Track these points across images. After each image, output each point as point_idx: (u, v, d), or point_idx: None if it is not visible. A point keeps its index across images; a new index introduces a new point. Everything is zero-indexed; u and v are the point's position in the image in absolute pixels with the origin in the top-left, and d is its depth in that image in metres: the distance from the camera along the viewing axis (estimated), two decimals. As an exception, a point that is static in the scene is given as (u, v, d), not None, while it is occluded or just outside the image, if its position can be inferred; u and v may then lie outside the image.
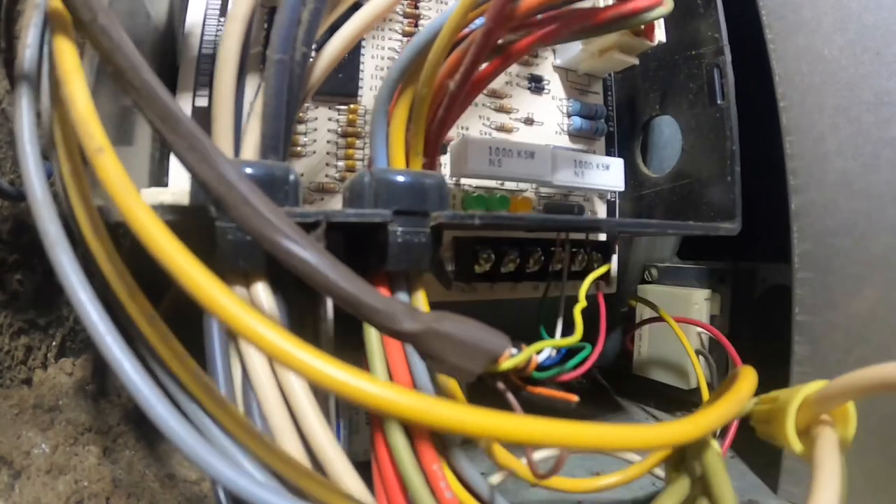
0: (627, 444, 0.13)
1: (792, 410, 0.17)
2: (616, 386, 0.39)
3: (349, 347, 0.20)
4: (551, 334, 0.26)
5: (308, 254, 0.13)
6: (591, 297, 0.26)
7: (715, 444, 0.18)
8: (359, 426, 0.24)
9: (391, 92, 0.20)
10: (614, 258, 0.30)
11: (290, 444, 0.17)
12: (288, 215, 0.16)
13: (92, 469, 0.24)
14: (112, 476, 0.24)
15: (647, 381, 0.37)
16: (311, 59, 0.19)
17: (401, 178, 0.18)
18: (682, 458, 0.19)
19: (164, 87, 0.14)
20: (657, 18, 0.23)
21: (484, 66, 0.20)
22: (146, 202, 0.20)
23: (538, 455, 0.22)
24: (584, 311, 0.25)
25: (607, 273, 0.27)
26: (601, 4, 0.23)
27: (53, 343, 0.28)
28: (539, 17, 0.20)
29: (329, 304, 0.19)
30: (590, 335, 0.25)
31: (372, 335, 0.19)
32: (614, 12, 0.21)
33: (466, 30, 0.20)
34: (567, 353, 0.25)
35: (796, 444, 0.17)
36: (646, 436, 0.13)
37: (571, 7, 0.20)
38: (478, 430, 0.12)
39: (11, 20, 0.24)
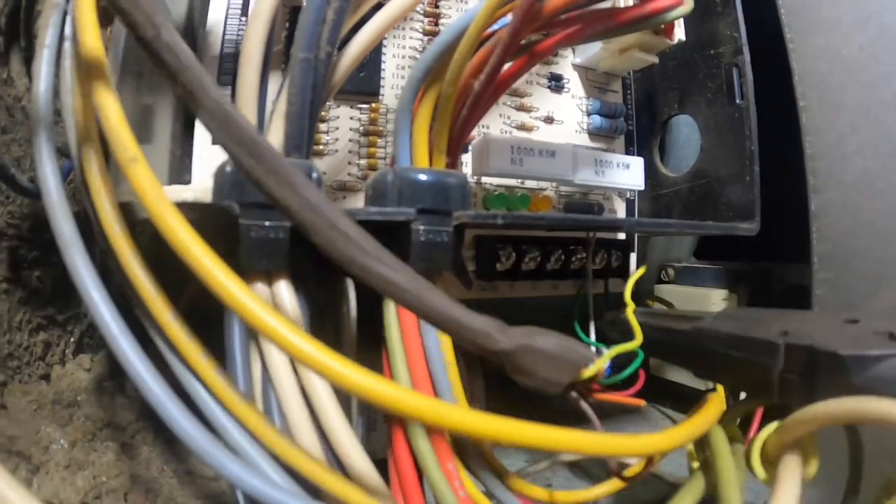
0: (606, 450, 0.14)
1: (760, 438, 0.18)
2: (629, 387, 0.39)
3: (367, 342, 0.20)
4: (585, 333, 0.26)
5: (401, 277, 0.13)
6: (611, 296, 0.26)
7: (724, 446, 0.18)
8: (376, 424, 0.24)
9: (415, 91, 0.20)
10: (633, 257, 0.30)
11: (309, 442, 0.17)
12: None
13: (110, 465, 0.24)
14: (130, 472, 0.24)
15: (663, 382, 0.37)
16: (334, 58, 0.19)
17: (424, 177, 0.19)
18: (705, 459, 0.19)
19: (234, 107, 0.14)
20: (678, 18, 0.23)
21: (508, 65, 0.20)
22: (173, 199, 0.20)
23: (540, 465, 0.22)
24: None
25: (626, 272, 0.27)
26: (621, 4, 0.23)
27: (72, 339, 0.28)
28: (563, 16, 0.20)
29: (353, 301, 0.19)
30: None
31: (393, 332, 0.19)
32: (636, 13, 0.21)
33: (489, 30, 0.20)
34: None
35: (760, 472, 0.18)
36: (621, 444, 0.14)
37: (594, 7, 0.20)
38: (492, 434, 0.12)
39: (31, 19, 0.24)
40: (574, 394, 0.21)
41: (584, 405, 0.20)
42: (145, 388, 0.15)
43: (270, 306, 0.13)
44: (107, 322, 0.15)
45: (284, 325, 0.12)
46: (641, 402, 0.23)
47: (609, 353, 0.23)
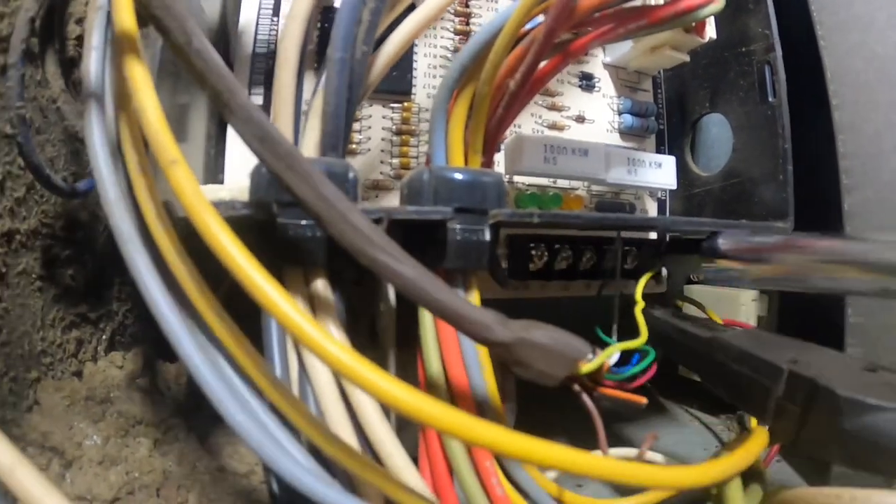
0: (638, 480, 0.14)
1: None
2: (661, 387, 0.39)
3: (400, 340, 0.20)
4: (607, 334, 0.26)
5: (406, 268, 0.14)
6: (645, 297, 0.26)
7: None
8: (406, 422, 0.24)
9: (451, 90, 0.20)
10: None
11: (348, 437, 0.17)
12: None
13: (143, 460, 0.25)
14: (163, 468, 0.25)
15: (692, 383, 0.36)
16: (369, 58, 0.19)
17: (460, 176, 0.19)
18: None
19: (258, 109, 0.14)
20: (709, 16, 0.23)
21: (542, 64, 0.20)
22: (210, 198, 0.20)
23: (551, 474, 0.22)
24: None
25: (658, 272, 0.27)
26: (652, 2, 0.23)
27: (103, 337, 0.29)
28: (595, 15, 0.20)
29: (392, 300, 0.19)
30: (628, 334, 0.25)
31: (428, 331, 0.19)
32: (668, 11, 0.21)
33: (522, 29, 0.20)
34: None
35: None
36: (655, 476, 0.14)
37: (627, 6, 0.20)
38: (519, 454, 0.12)
39: (63, 21, 0.25)
40: (576, 387, 0.21)
41: (586, 399, 0.21)
42: (203, 382, 0.15)
43: (311, 316, 0.13)
44: (167, 317, 0.15)
45: (325, 337, 0.13)
46: (643, 400, 0.23)
47: (609, 349, 0.23)
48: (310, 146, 0.18)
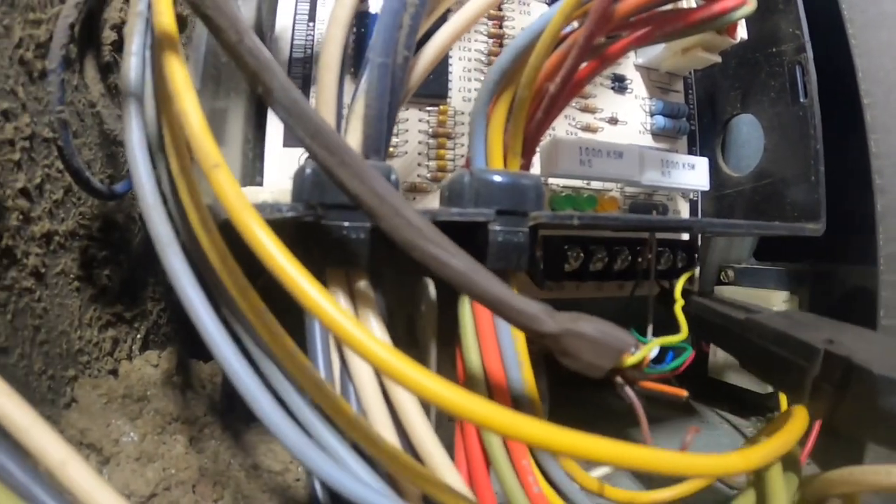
0: (678, 469, 0.14)
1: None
2: (691, 389, 0.39)
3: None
4: (641, 333, 0.26)
5: (457, 261, 0.14)
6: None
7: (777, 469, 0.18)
8: (441, 421, 0.24)
9: (491, 94, 0.20)
10: (697, 257, 0.29)
11: (390, 436, 0.17)
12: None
13: (179, 457, 0.25)
14: (199, 465, 0.25)
15: (722, 385, 0.36)
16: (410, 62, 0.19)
17: (500, 179, 0.19)
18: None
19: (310, 105, 0.15)
20: (742, 18, 0.23)
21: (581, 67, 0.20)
22: (251, 201, 0.20)
23: (598, 471, 0.22)
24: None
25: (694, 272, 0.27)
26: (684, 5, 0.23)
27: (138, 336, 0.29)
28: (632, 19, 0.20)
29: (433, 297, 0.19)
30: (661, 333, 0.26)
31: (468, 329, 0.19)
32: (703, 13, 0.21)
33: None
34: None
35: None
36: (695, 464, 0.14)
37: (664, 9, 0.20)
38: (565, 449, 0.12)
39: (99, 27, 0.25)
40: (619, 379, 0.21)
41: (629, 391, 0.21)
42: (239, 382, 0.15)
43: (354, 317, 0.13)
44: (203, 320, 0.16)
45: (369, 337, 0.13)
46: (683, 392, 0.23)
47: (652, 343, 0.23)
48: (345, 141, 0.18)
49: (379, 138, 0.18)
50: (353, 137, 0.18)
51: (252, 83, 0.15)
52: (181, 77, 0.15)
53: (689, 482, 0.22)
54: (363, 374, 0.17)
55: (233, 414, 0.27)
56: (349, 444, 0.16)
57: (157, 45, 0.16)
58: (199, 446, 0.26)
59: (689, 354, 0.24)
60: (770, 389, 0.33)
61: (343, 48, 0.19)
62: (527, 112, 0.19)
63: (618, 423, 0.26)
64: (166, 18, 0.16)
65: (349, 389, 0.17)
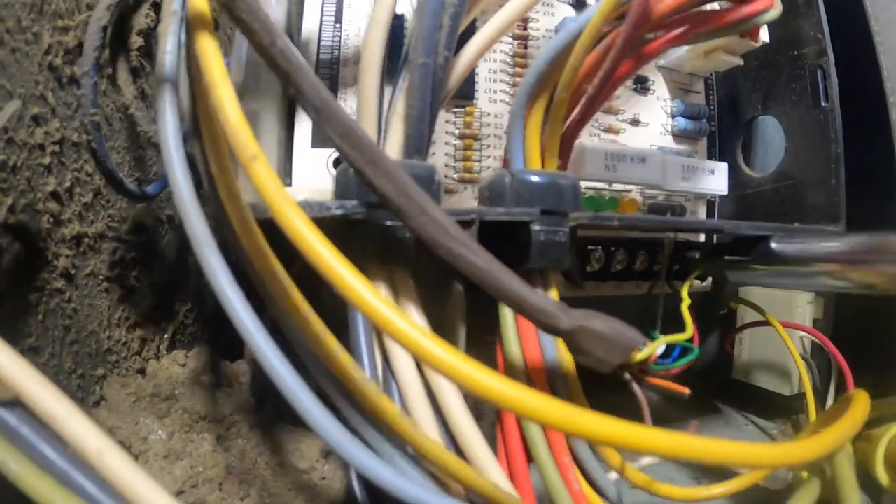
0: (739, 460, 0.14)
1: (882, 445, 0.18)
2: (715, 390, 0.39)
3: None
4: (653, 328, 0.26)
5: (480, 259, 0.14)
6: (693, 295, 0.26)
7: (847, 448, 0.18)
8: (484, 413, 0.24)
9: (529, 95, 0.21)
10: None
11: (434, 433, 0.17)
12: (449, 213, 0.17)
13: (207, 456, 0.25)
14: (226, 463, 0.25)
15: (746, 386, 0.36)
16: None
17: (540, 179, 0.19)
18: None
19: (341, 106, 0.15)
20: (769, 21, 0.23)
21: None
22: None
23: (644, 461, 0.23)
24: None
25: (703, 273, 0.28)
26: (707, 9, 0.23)
27: (165, 336, 0.29)
28: (668, 20, 0.20)
29: (461, 298, 0.20)
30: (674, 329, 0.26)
31: (507, 316, 0.19)
32: (734, 16, 0.21)
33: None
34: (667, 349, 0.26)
35: (884, 477, 0.18)
36: (758, 454, 0.14)
37: (698, 10, 0.21)
38: (614, 440, 0.12)
39: (129, 31, 0.25)
40: (627, 375, 0.22)
41: (636, 386, 0.21)
42: (278, 379, 0.15)
43: (398, 308, 0.13)
44: (243, 319, 0.16)
45: (415, 329, 0.13)
46: (685, 390, 0.24)
47: (659, 341, 0.24)
48: (393, 148, 0.19)
49: (421, 138, 0.18)
50: (395, 137, 0.19)
51: (284, 85, 0.15)
52: (217, 69, 0.15)
53: (741, 477, 0.23)
54: (406, 371, 0.17)
55: (261, 413, 0.27)
56: (393, 441, 0.16)
57: (192, 39, 0.16)
58: (226, 444, 0.26)
59: (694, 355, 0.25)
60: (795, 391, 0.34)
61: (384, 48, 0.19)
62: (564, 113, 0.20)
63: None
64: (202, 12, 0.16)
65: (392, 387, 0.17)
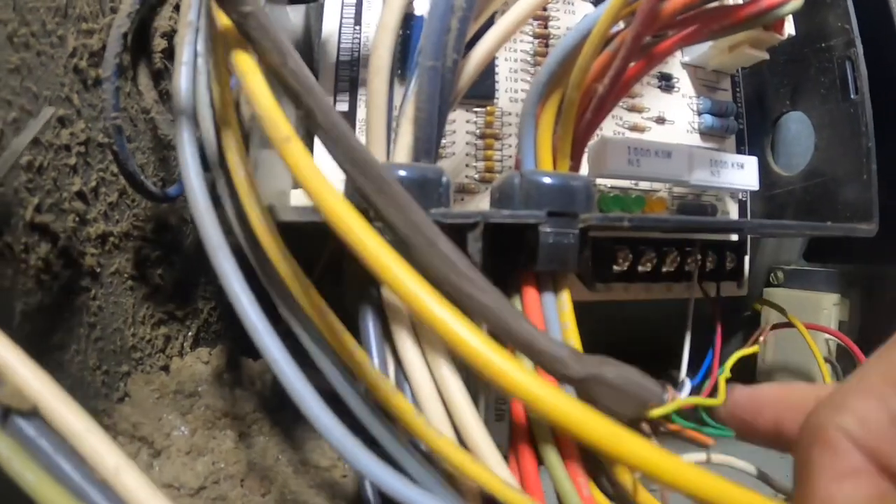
0: None
1: None
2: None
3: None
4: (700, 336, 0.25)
5: (489, 299, 0.14)
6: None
7: None
8: (504, 414, 0.24)
9: (540, 95, 0.20)
10: (746, 259, 0.29)
11: (445, 429, 0.17)
12: (450, 216, 0.17)
13: (228, 452, 0.26)
14: (247, 459, 0.26)
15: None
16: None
17: (550, 180, 0.19)
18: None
19: (351, 131, 0.15)
20: (790, 13, 0.22)
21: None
22: (298, 203, 0.21)
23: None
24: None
25: (741, 275, 0.27)
26: (730, 2, 0.23)
27: (189, 333, 0.30)
28: (680, 17, 0.20)
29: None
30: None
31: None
32: (751, 10, 0.21)
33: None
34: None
35: None
36: None
37: (711, 6, 0.20)
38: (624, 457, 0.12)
39: (150, 35, 0.26)
40: (646, 427, 0.21)
41: (654, 442, 0.20)
42: (288, 384, 0.16)
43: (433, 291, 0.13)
44: (254, 323, 0.16)
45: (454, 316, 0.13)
46: (710, 441, 0.23)
47: (681, 402, 0.22)
48: (403, 152, 0.19)
49: (430, 141, 0.18)
50: (405, 140, 0.19)
51: (295, 104, 0.15)
52: (246, 61, 0.16)
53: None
54: (418, 371, 0.17)
55: (283, 411, 0.28)
56: (405, 441, 0.16)
57: (216, 40, 0.17)
58: (247, 441, 0.27)
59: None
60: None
61: (392, 52, 0.19)
62: (576, 113, 0.19)
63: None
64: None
65: (405, 388, 0.18)
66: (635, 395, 0.15)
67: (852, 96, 0.27)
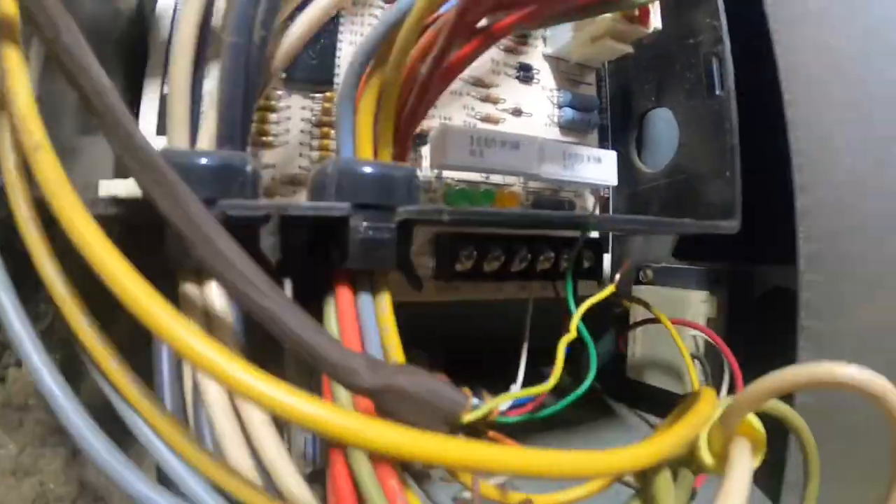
0: (580, 471, 0.13)
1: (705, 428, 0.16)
2: (609, 389, 0.38)
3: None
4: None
5: (268, 301, 0.13)
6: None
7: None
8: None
9: (357, 77, 0.18)
10: (606, 257, 0.29)
11: (244, 467, 0.16)
12: (238, 207, 0.15)
13: (58, 472, 0.24)
14: (79, 479, 0.24)
15: (640, 385, 0.36)
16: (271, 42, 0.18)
17: (367, 170, 0.17)
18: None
19: (129, 115, 0.14)
20: (647, 3, 0.22)
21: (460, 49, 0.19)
22: (103, 193, 0.19)
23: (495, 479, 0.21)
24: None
25: (599, 273, 0.26)
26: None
27: (29, 340, 0.27)
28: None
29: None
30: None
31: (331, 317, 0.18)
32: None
33: (443, 9, 0.19)
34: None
35: (707, 457, 0.16)
36: (598, 462, 0.13)
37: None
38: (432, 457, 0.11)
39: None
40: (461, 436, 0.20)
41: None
42: (67, 423, 0.15)
43: (201, 331, 0.12)
44: (15, 328, 0.14)
45: (218, 352, 0.11)
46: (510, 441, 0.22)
47: (497, 400, 0.21)
48: (206, 138, 0.17)
49: (233, 125, 0.16)
50: (209, 125, 0.17)
51: (70, 84, 0.14)
52: (12, 57, 0.14)
53: (588, 483, 0.21)
54: (217, 406, 0.16)
55: (118, 426, 0.26)
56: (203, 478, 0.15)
57: None
58: (81, 459, 0.25)
59: (566, 403, 0.23)
60: (689, 389, 0.33)
61: (199, 28, 0.17)
62: (397, 97, 0.18)
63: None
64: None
65: (200, 415, 0.16)
66: (434, 405, 0.14)
67: (717, 93, 0.27)
